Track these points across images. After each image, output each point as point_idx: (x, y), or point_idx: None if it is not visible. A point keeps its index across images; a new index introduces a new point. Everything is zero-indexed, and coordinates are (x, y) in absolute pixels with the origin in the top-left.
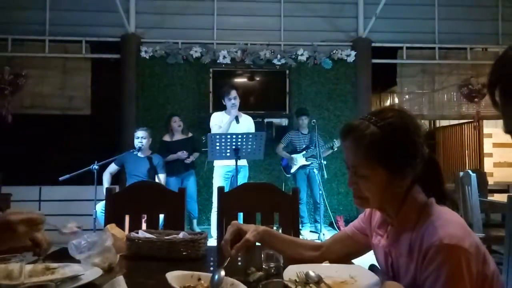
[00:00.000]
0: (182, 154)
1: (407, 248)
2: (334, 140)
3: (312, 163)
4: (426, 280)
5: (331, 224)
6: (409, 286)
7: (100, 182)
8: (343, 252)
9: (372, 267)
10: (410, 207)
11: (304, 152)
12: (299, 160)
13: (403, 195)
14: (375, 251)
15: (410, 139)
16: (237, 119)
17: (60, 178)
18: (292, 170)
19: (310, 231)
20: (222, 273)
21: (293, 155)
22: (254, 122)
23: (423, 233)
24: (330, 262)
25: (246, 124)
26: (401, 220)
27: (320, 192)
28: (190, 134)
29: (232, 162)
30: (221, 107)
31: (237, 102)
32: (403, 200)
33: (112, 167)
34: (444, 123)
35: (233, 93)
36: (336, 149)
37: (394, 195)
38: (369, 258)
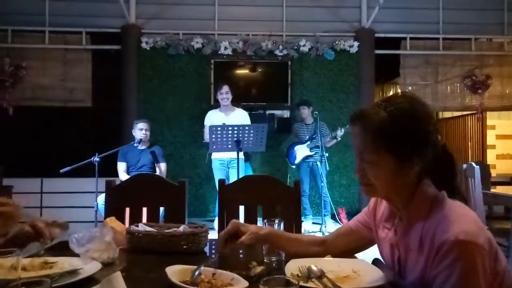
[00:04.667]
0: None
1: (418, 242)
2: (339, 128)
3: (315, 154)
4: (437, 276)
5: (333, 217)
6: (417, 281)
7: (100, 175)
8: (346, 246)
9: (376, 261)
10: (421, 199)
11: (309, 142)
12: (303, 150)
13: (412, 186)
14: (380, 245)
15: (419, 126)
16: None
17: (61, 170)
18: (296, 161)
19: (313, 223)
20: (202, 268)
21: (297, 146)
22: (256, 114)
23: (435, 227)
24: (334, 257)
25: (239, 118)
26: (412, 212)
27: (322, 184)
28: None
29: (226, 155)
30: None
31: (229, 96)
32: (413, 192)
33: (123, 166)
34: (447, 114)
35: (225, 88)
36: (339, 138)
37: (402, 185)
38: (372, 252)
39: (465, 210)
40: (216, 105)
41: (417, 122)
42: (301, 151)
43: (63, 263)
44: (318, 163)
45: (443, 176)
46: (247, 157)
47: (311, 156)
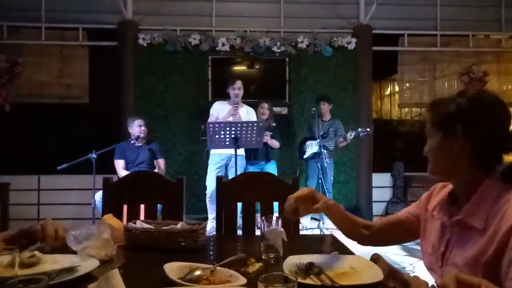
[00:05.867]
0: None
1: (483, 222)
2: (350, 131)
3: (324, 152)
4: None
5: None
6: (471, 259)
7: (98, 171)
8: (393, 235)
9: (374, 257)
10: (491, 185)
11: (318, 140)
12: (313, 147)
13: (478, 174)
14: (428, 230)
15: (478, 112)
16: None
17: (58, 167)
18: (305, 156)
19: (311, 218)
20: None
21: (308, 141)
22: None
23: (506, 209)
24: (377, 244)
25: (248, 114)
26: (480, 195)
27: (321, 181)
28: (273, 124)
29: (226, 151)
30: (220, 95)
31: (240, 92)
32: (481, 180)
33: (121, 163)
34: None
35: (238, 83)
36: (349, 141)
37: (451, 160)
38: (371, 249)
39: None
40: (214, 101)
41: (478, 109)
42: (311, 148)
43: (61, 260)
44: (327, 160)
45: None
46: (267, 156)
47: (320, 153)
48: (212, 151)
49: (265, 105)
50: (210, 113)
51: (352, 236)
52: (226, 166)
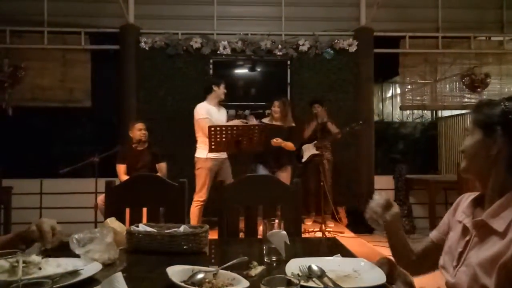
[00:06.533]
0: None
1: (505, 226)
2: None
3: (322, 153)
4: None
5: (333, 216)
6: (486, 261)
7: (100, 175)
8: (432, 261)
9: (382, 260)
10: None
11: (315, 142)
12: (310, 150)
13: (508, 181)
14: (449, 235)
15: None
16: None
17: (61, 171)
18: (303, 160)
19: (314, 221)
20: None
21: (305, 145)
22: (255, 113)
23: None
24: (421, 272)
25: (225, 116)
26: (507, 200)
27: (322, 183)
28: (292, 124)
29: (219, 155)
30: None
31: None
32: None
33: (123, 168)
34: (446, 113)
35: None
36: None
37: (485, 161)
38: (375, 252)
39: None
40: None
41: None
42: (308, 151)
43: (65, 263)
44: (325, 161)
45: None
46: (279, 161)
47: (318, 155)
48: (209, 155)
49: (276, 103)
50: (203, 117)
51: (402, 258)
52: (219, 170)
